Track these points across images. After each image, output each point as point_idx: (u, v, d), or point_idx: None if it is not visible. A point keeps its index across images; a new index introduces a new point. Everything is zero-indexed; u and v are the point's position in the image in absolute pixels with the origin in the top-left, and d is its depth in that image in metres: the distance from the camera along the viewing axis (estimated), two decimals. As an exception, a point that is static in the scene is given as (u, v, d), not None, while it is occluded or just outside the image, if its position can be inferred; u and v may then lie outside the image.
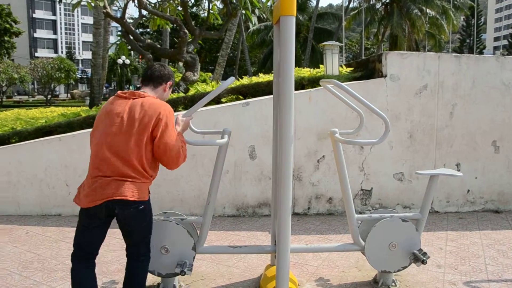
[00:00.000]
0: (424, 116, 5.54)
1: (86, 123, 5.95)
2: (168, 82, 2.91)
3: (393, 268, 3.48)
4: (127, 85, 48.99)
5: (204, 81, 10.84)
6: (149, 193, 2.82)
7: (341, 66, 6.57)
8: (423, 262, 3.32)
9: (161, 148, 2.65)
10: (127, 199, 2.59)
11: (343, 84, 3.09)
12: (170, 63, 31.87)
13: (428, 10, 32.45)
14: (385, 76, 5.46)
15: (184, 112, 3.17)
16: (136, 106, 2.67)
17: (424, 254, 3.35)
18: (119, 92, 2.80)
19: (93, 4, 7.93)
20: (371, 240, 3.41)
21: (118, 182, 2.61)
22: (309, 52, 33.37)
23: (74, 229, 5.16)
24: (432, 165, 5.62)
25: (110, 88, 53.56)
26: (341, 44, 7.88)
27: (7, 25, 40.64)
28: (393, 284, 3.54)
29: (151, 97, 2.74)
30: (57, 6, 73.71)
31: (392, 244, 3.43)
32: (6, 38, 40.92)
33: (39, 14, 73.14)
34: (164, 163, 2.75)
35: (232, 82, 3.05)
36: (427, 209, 3.53)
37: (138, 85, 32.84)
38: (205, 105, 4.69)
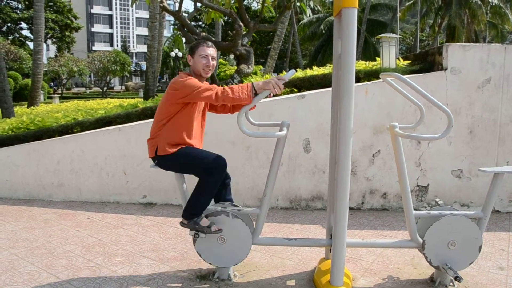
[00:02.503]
0: (486, 111, 5.30)
1: (144, 114, 6.13)
2: (188, 57, 3.49)
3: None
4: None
5: (255, 73, 10.88)
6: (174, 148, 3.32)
7: (398, 58, 6.40)
8: (456, 278, 3.20)
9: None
10: None
11: (404, 77, 3.02)
12: (221, 56, 32.24)
13: (490, -1, 30.96)
14: (445, 69, 5.26)
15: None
16: None
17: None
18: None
19: (150, -2, 8.15)
20: (429, 237, 3.33)
21: None
22: (362, 45, 32.67)
23: (132, 216, 5.35)
24: (493, 162, 5.38)
25: (163, 80, 54.76)
26: (398, 36, 7.67)
27: (68, 21, 42.63)
28: (451, 284, 3.43)
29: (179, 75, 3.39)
30: (113, 1, 76.36)
31: (451, 242, 3.33)
32: (66, 33, 42.92)
33: (96, 9, 76.03)
34: None
35: (293, 74, 3.05)
36: (490, 208, 3.38)
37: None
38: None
